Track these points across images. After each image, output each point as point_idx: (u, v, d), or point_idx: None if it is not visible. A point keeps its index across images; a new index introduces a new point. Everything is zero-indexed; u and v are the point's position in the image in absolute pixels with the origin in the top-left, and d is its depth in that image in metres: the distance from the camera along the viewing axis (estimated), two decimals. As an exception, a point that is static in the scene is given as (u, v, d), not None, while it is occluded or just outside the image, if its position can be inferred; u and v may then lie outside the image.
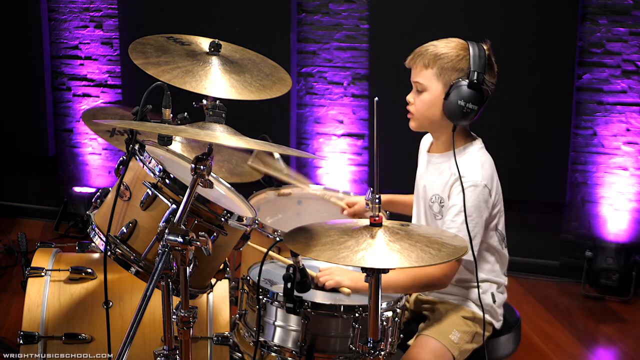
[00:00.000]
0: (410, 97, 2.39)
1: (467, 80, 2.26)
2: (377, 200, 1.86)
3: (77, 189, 4.85)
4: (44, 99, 4.83)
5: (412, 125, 2.41)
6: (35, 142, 4.90)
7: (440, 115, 2.31)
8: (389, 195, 2.70)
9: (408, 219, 2.54)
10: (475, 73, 2.25)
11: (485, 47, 2.30)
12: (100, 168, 4.93)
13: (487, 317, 2.39)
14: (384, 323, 2.09)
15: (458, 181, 2.26)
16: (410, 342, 2.35)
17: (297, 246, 1.86)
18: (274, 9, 4.36)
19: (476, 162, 2.32)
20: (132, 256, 1.97)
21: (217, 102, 1.97)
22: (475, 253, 2.26)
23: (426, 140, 2.52)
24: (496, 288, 2.42)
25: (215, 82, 1.99)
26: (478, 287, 2.32)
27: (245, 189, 2.47)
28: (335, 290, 2.21)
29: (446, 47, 2.30)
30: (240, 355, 2.58)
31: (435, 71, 2.30)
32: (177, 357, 1.87)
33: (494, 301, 2.40)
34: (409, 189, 2.75)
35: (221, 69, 2.04)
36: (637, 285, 4.02)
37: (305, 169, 4.59)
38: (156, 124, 2.00)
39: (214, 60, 2.06)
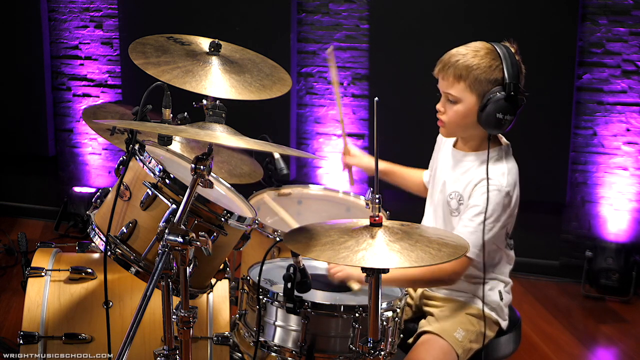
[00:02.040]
0: (440, 107, 2.36)
1: (503, 92, 2.25)
2: (377, 200, 1.86)
3: (77, 189, 4.85)
4: (44, 99, 4.83)
5: (443, 132, 2.40)
6: (35, 142, 4.90)
7: (474, 124, 2.31)
8: (388, 163, 2.70)
9: (402, 191, 2.52)
10: (512, 84, 2.25)
11: (513, 50, 2.29)
12: (100, 168, 4.93)
13: (494, 315, 2.39)
14: (384, 323, 2.09)
15: (482, 182, 2.26)
16: (410, 340, 2.35)
17: (297, 246, 1.86)
18: (274, 9, 4.36)
19: (503, 167, 2.32)
20: (132, 256, 1.97)
21: (217, 102, 1.97)
22: (486, 255, 2.26)
23: None
24: (503, 287, 2.42)
25: (215, 82, 1.99)
26: (484, 284, 2.31)
27: (245, 189, 2.47)
28: (335, 289, 2.21)
29: (476, 56, 2.27)
30: (240, 355, 2.58)
31: (469, 83, 2.27)
32: (177, 357, 1.87)
33: (502, 299, 2.40)
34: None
35: (221, 69, 2.04)
36: (637, 285, 4.02)
37: (305, 169, 4.59)
38: (156, 124, 2.00)
39: (214, 60, 2.06)
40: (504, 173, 2.31)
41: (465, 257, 2.18)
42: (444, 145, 2.51)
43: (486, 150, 2.32)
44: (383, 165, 2.68)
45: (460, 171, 2.38)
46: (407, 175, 2.70)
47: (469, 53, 2.29)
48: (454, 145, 2.45)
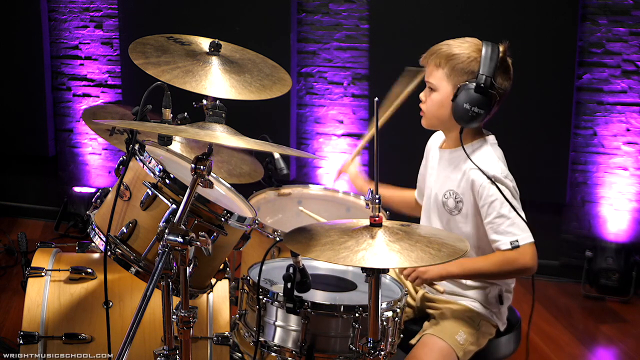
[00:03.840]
0: (422, 95, 2.39)
1: (474, 84, 2.25)
2: (377, 200, 1.86)
3: (77, 189, 4.85)
4: (44, 99, 4.83)
5: (423, 123, 2.42)
6: (35, 142, 4.90)
7: (449, 115, 2.31)
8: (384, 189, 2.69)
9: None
10: (484, 77, 2.24)
11: (500, 49, 2.29)
12: (100, 168, 4.93)
13: (494, 318, 2.40)
14: (384, 323, 2.09)
15: (483, 181, 2.26)
16: (412, 341, 2.35)
17: (297, 246, 1.86)
18: (274, 9, 4.36)
19: (491, 156, 2.32)
20: (132, 256, 1.97)
21: (217, 102, 1.97)
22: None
23: (435, 139, 2.53)
24: (505, 290, 2.42)
25: (215, 82, 1.99)
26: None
27: (245, 189, 2.47)
28: (335, 289, 2.22)
29: (460, 47, 2.29)
30: (240, 355, 2.58)
31: (446, 71, 2.29)
32: (177, 357, 1.87)
33: (501, 303, 2.41)
34: (409, 187, 2.75)
35: (221, 69, 2.04)
36: (637, 285, 4.02)
37: (305, 169, 4.59)
38: (156, 124, 2.00)
39: (214, 60, 2.06)
40: (494, 162, 2.31)
41: (527, 244, 2.23)
42: (431, 148, 2.53)
43: (468, 144, 2.33)
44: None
45: (449, 169, 2.38)
46: (397, 194, 2.72)
47: (454, 44, 2.31)
48: (440, 146, 2.46)
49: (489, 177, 2.25)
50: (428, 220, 2.46)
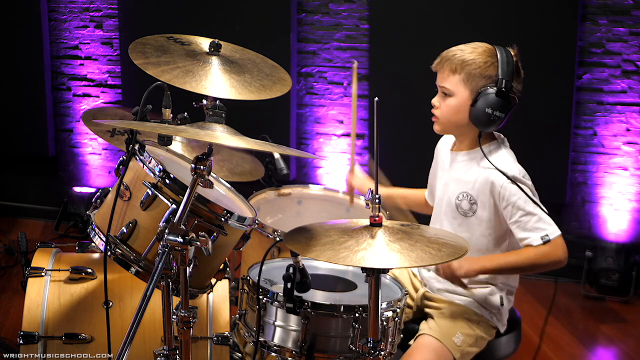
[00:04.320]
0: (435, 101, 2.39)
1: (495, 88, 2.26)
2: (377, 200, 1.86)
3: (77, 189, 4.84)
4: (44, 99, 4.83)
5: (437, 128, 2.41)
6: (35, 142, 4.90)
7: (466, 120, 2.32)
8: (388, 188, 2.72)
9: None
10: (504, 81, 2.26)
11: (512, 53, 2.30)
12: (100, 168, 4.93)
13: (494, 320, 2.39)
14: (384, 323, 2.09)
15: (503, 182, 2.27)
16: (411, 342, 2.35)
17: (297, 246, 1.86)
18: (274, 9, 4.36)
19: (507, 158, 2.34)
20: (132, 256, 1.97)
21: (217, 102, 1.97)
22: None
23: (445, 141, 2.53)
24: (506, 292, 2.42)
25: (215, 82, 1.99)
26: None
27: (246, 189, 2.47)
28: (335, 289, 2.21)
29: (474, 52, 2.30)
30: (240, 355, 2.58)
31: (463, 77, 2.29)
32: (177, 357, 1.87)
33: (502, 304, 2.40)
34: (412, 187, 2.75)
35: (221, 69, 2.04)
36: (637, 285, 4.02)
37: (305, 169, 4.59)
38: (156, 124, 2.00)
39: (214, 60, 2.06)
40: (510, 163, 2.33)
41: (557, 237, 2.25)
42: (441, 150, 2.53)
43: (484, 146, 2.33)
44: (383, 191, 2.69)
45: (462, 171, 2.38)
46: (408, 194, 2.73)
47: (467, 49, 2.32)
48: (451, 149, 2.46)
49: (508, 177, 2.26)
50: (440, 223, 2.45)
